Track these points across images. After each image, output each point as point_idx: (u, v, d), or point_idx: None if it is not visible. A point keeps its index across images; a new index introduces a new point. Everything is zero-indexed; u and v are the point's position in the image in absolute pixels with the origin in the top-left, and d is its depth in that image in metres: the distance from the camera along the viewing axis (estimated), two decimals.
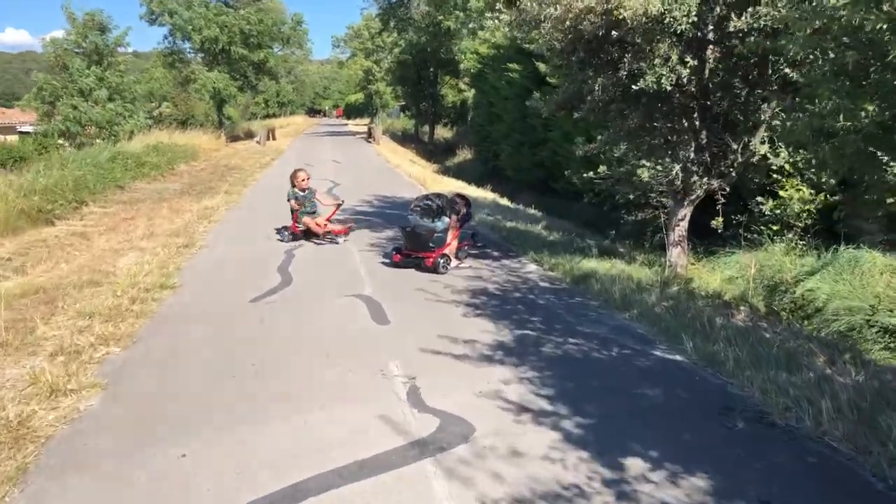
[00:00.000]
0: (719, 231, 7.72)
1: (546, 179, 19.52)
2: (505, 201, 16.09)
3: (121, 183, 15.64)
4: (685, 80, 5.94)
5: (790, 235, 10.19)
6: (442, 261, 7.55)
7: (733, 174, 6.86)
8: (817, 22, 3.86)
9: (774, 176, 9.90)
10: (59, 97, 25.35)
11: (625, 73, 5.93)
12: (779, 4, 5.27)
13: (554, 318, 5.95)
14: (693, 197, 7.12)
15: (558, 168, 18.05)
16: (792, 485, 3.26)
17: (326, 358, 5.02)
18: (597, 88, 6.16)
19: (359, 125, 56.92)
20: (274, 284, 7.21)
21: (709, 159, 6.89)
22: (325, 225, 9.50)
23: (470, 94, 33.28)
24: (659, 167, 6.56)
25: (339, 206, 10.18)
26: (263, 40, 36.88)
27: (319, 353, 5.13)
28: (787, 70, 5.59)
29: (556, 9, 6.17)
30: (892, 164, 4.17)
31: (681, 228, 7.38)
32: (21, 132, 40.35)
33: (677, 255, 7.37)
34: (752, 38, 5.20)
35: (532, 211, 14.39)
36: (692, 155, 6.74)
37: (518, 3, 6.38)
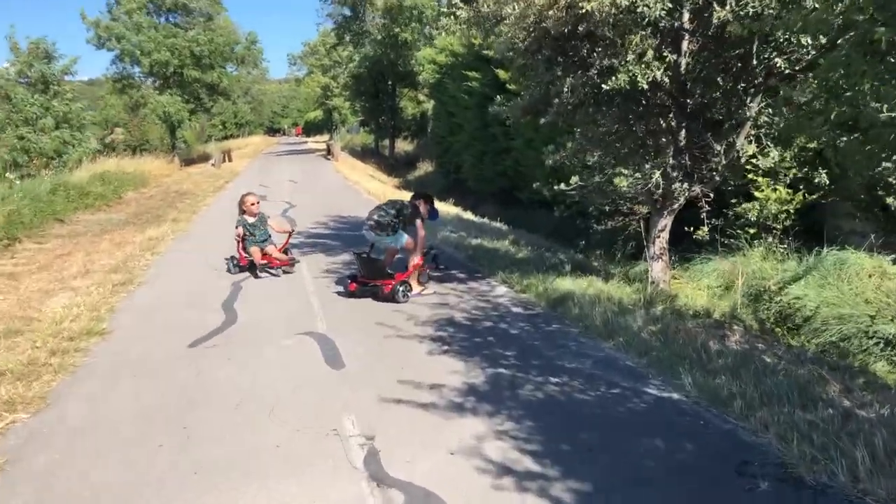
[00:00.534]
0: (701, 239, 7.17)
1: (510, 189, 18.96)
2: (469, 215, 15.45)
3: (61, 216, 14.64)
4: (661, 77, 5.36)
5: (769, 239, 9.70)
6: (401, 288, 6.84)
7: (717, 178, 6.29)
8: None
9: (749, 176, 9.42)
10: (3, 128, 24.28)
11: (595, 71, 5.32)
12: None
13: (530, 351, 5.27)
14: (674, 205, 6.54)
15: (522, 178, 17.50)
16: None
17: (271, 415, 4.28)
18: (565, 90, 5.55)
19: (318, 142, 55.97)
20: (217, 324, 6.43)
21: (689, 163, 6.31)
22: (266, 256, 8.53)
23: (429, 105, 32.72)
24: (638, 174, 5.96)
25: (290, 233, 9.27)
26: (216, 60, 35.92)
27: (263, 408, 4.38)
28: (776, 59, 5.03)
29: (515, 6, 5.56)
30: None
31: (661, 240, 6.79)
32: None
33: (660, 270, 6.77)
34: (738, 24, 4.62)
35: (497, 224, 13.77)
36: (671, 159, 6.15)
37: (475, 1, 5.76)
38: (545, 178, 10.35)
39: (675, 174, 6.14)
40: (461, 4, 5.69)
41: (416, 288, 7.18)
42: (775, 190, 9.88)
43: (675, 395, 4.32)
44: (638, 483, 3.30)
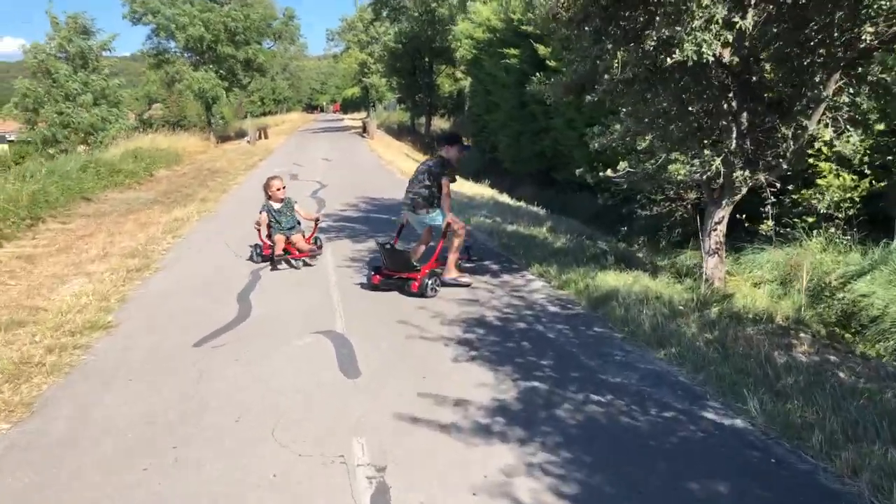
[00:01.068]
0: (766, 232, 6.46)
1: (547, 171, 18.23)
2: (504, 197, 14.80)
3: (89, 194, 14.39)
4: (733, 46, 4.66)
5: (832, 230, 8.89)
6: (430, 282, 6.28)
7: (784, 165, 5.56)
8: None
9: (810, 161, 8.61)
10: (43, 104, 24.34)
11: (652, 43, 4.65)
12: None
13: (569, 360, 4.68)
14: (735, 196, 5.84)
15: (561, 159, 16.76)
16: None
17: (272, 434, 3.78)
18: (616, 65, 4.88)
19: (355, 120, 55.52)
20: (229, 318, 5.96)
21: (751, 148, 5.60)
22: (289, 246, 7.84)
23: (466, 82, 31.90)
24: (696, 161, 5.27)
25: (317, 221, 8.56)
26: (251, 36, 35.55)
27: (265, 425, 3.88)
28: (866, 27, 4.29)
29: None
30: None
31: (718, 234, 6.10)
32: (10, 141, 39.28)
33: (714, 266, 6.09)
34: None
35: (534, 209, 13.11)
36: (732, 144, 5.44)
37: None
38: (588, 162, 9.70)
39: (736, 161, 5.44)
40: None
41: (452, 273, 6.63)
42: (838, 176, 9.05)
43: (739, 422, 3.69)
44: None
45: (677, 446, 3.48)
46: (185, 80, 33.18)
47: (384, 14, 38.34)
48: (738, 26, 4.55)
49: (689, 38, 4.49)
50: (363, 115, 58.14)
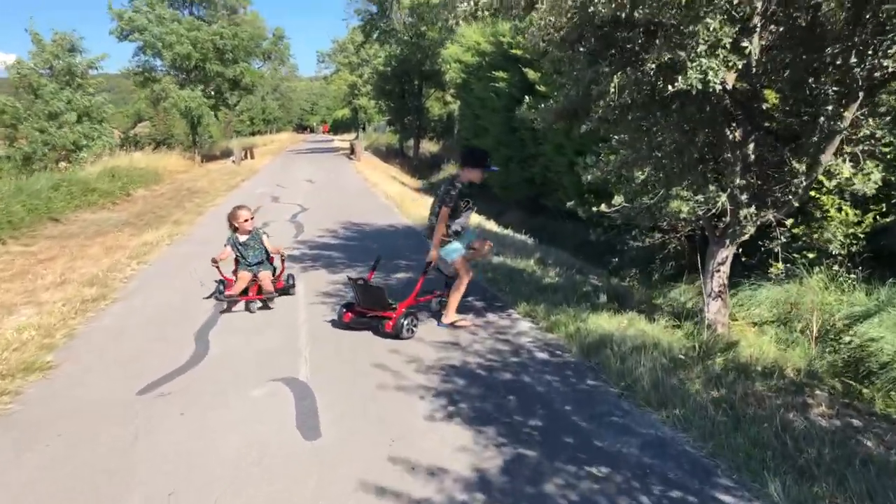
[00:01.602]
0: (774, 273, 5.96)
1: (536, 197, 17.75)
2: (492, 224, 14.29)
3: (59, 214, 13.77)
4: (741, 71, 4.19)
5: (835, 266, 8.41)
6: (406, 322, 5.72)
7: (794, 202, 5.08)
8: None
9: (811, 194, 8.16)
10: (22, 120, 23.75)
11: (652, 67, 4.17)
12: None
13: (560, 421, 4.12)
14: (740, 235, 5.35)
15: (549, 185, 16.31)
16: None
17: None
18: (612, 90, 4.39)
19: (344, 141, 55.11)
20: (182, 360, 5.38)
21: (758, 183, 5.12)
22: (254, 288, 6.90)
23: (456, 105, 31.57)
24: (699, 197, 4.78)
25: (283, 257, 7.57)
26: (239, 55, 35.21)
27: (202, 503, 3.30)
28: (890, 51, 3.82)
29: None
30: None
31: (721, 275, 5.60)
32: None
33: (717, 311, 5.58)
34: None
35: (522, 237, 12.59)
36: (738, 179, 4.96)
37: None
38: (579, 193, 9.21)
39: (742, 196, 4.95)
40: None
41: (451, 317, 6.12)
42: (840, 210, 8.60)
43: None
44: None
45: None
46: (170, 98, 32.68)
47: (374, 37, 38.07)
48: (747, 51, 4.07)
49: (694, 64, 4.01)
50: (353, 136, 57.82)
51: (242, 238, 7.12)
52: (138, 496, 3.35)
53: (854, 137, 4.71)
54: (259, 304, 6.83)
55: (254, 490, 3.39)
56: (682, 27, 3.96)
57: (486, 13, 5.08)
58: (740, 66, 4.03)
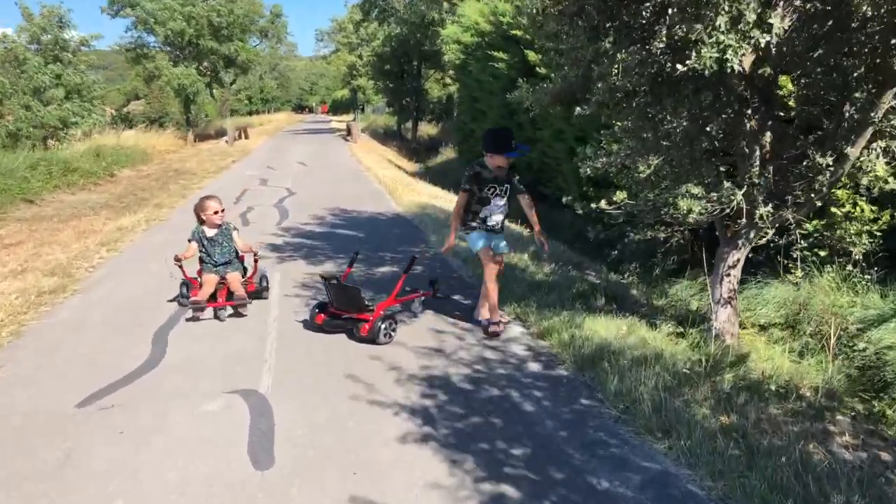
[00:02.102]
0: (794, 280, 5.47)
1: (534, 183, 17.17)
2: None
3: (33, 195, 13.20)
4: (762, 52, 3.64)
5: (848, 267, 7.87)
6: (383, 325, 5.19)
7: (816, 201, 4.55)
8: None
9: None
10: (8, 96, 23.10)
11: (661, 44, 3.61)
12: None
13: (550, 450, 3.61)
14: (755, 235, 4.82)
15: (548, 171, 15.74)
16: None
17: None
18: (615, 71, 3.84)
19: (342, 122, 54.35)
20: (134, 365, 4.86)
21: (774, 178, 4.57)
22: (222, 293, 6.07)
23: (455, 88, 30.86)
24: (713, 194, 4.23)
25: (256, 257, 6.56)
26: (234, 32, 34.39)
27: None
28: None
29: None
30: None
31: (732, 280, 5.06)
32: None
33: (726, 320, 5.05)
34: None
35: (518, 228, 12.03)
36: (755, 174, 4.41)
37: None
38: (578, 182, 8.63)
39: (758, 194, 4.41)
40: None
41: (485, 313, 5.57)
42: (856, 206, 8.04)
43: None
44: None
45: None
46: (164, 76, 31.92)
47: (372, 15, 37.27)
48: (773, 27, 3.51)
49: (711, 40, 3.45)
50: (351, 117, 57.06)
51: (210, 233, 6.28)
52: None
53: (889, 130, 4.15)
54: (230, 310, 5.99)
55: None
56: None
57: None
58: (763, 44, 3.47)
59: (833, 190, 7.86)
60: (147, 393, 4.40)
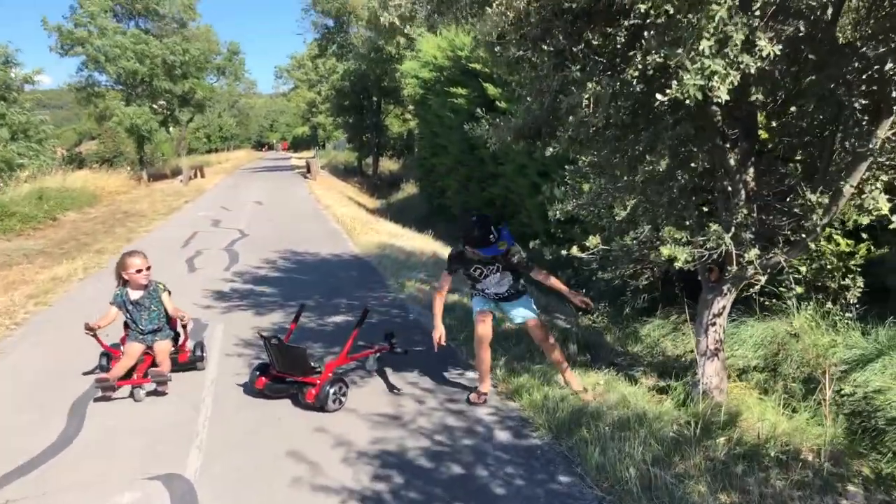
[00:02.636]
0: (795, 329, 5.03)
1: (497, 219, 16.79)
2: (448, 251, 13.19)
3: None
4: (748, 80, 3.22)
5: (827, 303, 7.50)
6: (332, 390, 4.59)
7: (808, 241, 4.13)
8: None
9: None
10: None
11: (636, 72, 3.17)
12: None
13: None
14: (743, 281, 4.37)
15: (511, 207, 15.34)
16: None
17: None
18: (585, 101, 3.38)
19: (302, 158, 53.70)
20: (43, 445, 4.20)
21: (758, 218, 4.14)
22: (142, 367, 5.14)
23: (415, 123, 30.60)
24: (698, 238, 3.77)
25: (185, 325, 5.66)
26: (189, 71, 33.71)
27: None
28: None
29: None
30: None
31: (718, 329, 4.60)
32: None
33: (714, 374, 4.57)
34: None
35: None
36: (741, 214, 3.97)
37: None
38: (542, 221, 8.13)
39: (746, 235, 3.97)
40: None
41: (574, 384, 4.85)
42: (831, 239, 7.71)
43: None
44: None
45: None
46: (115, 116, 31.04)
47: (330, 51, 37.04)
48: (763, 52, 3.08)
49: (694, 66, 3.01)
50: (311, 153, 56.49)
51: (135, 295, 5.30)
52: None
53: (889, 162, 3.76)
54: (149, 387, 5.03)
55: None
56: (679, 14, 2.95)
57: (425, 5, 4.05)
58: (754, 70, 3.05)
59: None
60: (53, 480, 3.74)
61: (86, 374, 5.45)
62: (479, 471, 3.76)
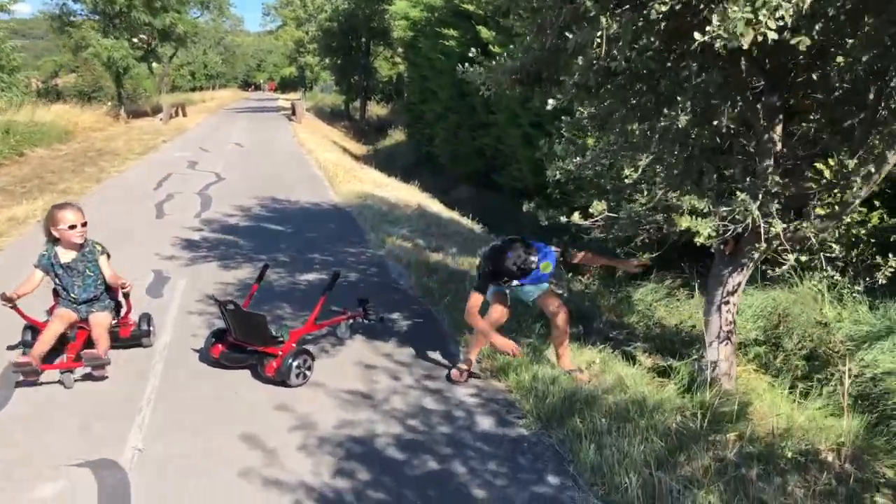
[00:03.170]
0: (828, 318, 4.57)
1: (487, 171, 16.14)
2: (436, 205, 12.64)
3: None
4: (806, 14, 2.65)
5: (835, 274, 7.04)
6: (296, 363, 4.08)
7: (844, 213, 3.62)
8: None
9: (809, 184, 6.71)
10: None
11: (663, 6, 2.58)
12: None
13: None
14: (758, 253, 3.87)
15: (502, 158, 14.71)
16: None
17: None
18: (598, 39, 2.79)
19: (289, 100, 52.36)
20: None
21: (784, 182, 3.60)
22: (74, 346, 4.33)
23: (404, 66, 29.56)
24: (723, 209, 3.24)
25: (126, 292, 4.71)
26: (169, 3, 32.21)
27: None
28: None
29: None
30: None
31: (731, 308, 4.12)
32: None
33: (724, 360, 4.10)
34: None
35: (469, 224, 10.99)
36: (773, 181, 3.43)
37: None
38: (533, 175, 7.46)
39: (773, 205, 3.45)
40: None
41: (567, 362, 4.39)
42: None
43: None
44: None
45: None
46: (92, 47, 29.70)
47: None
48: None
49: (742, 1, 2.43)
50: (298, 95, 55.06)
51: (66, 257, 4.40)
52: None
53: None
54: (81, 371, 4.19)
55: None
56: None
57: None
58: (807, 5, 2.48)
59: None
60: None
61: (10, 348, 4.59)
62: (457, 467, 3.29)
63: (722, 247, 4.02)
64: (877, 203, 7.19)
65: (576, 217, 3.79)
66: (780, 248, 3.62)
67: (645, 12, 2.84)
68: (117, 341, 4.53)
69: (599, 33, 2.95)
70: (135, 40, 31.76)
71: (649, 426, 3.51)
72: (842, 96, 3.62)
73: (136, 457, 3.32)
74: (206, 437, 3.54)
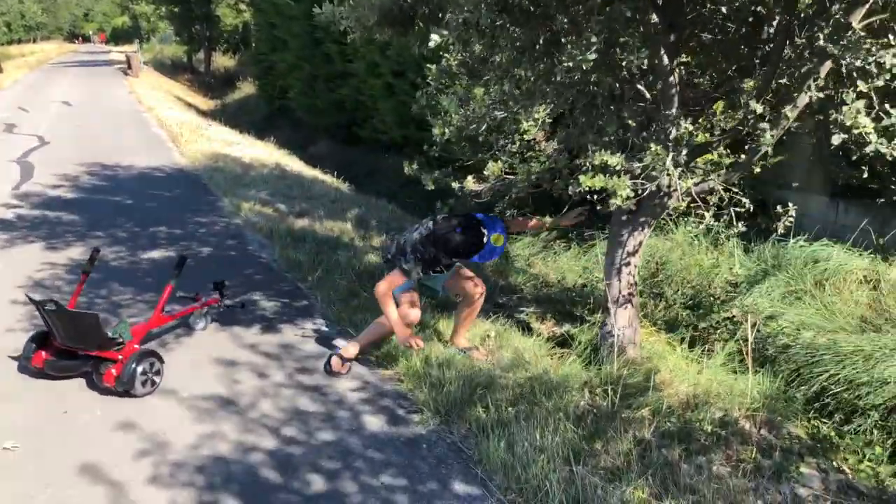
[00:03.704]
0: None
1: (348, 124, 15.33)
2: (295, 162, 11.77)
3: None
4: None
5: (708, 217, 7.05)
6: (141, 368, 3.36)
7: (751, 163, 3.37)
8: None
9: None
10: None
11: None
12: None
13: None
14: (661, 209, 3.57)
15: (363, 111, 13.96)
16: None
17: None
18: None
19: (123, 52, 48.13)
20: None
21: (688, 130, 3.28)
22: None
23: (250, 14, 27.64)
24: (635, 164, 2.84)
25: None
26: None
27: None
28: None
29: None
30: None
31: (631, 270, 3.81)
32: None
33: (627, 325, 3.80)
34: None
35: (334, 182, 10.25)
36: (677, 128, 3.09)
37: None
38: (398, 126, 6.88)
39: (682, 156, 3.12)
40: None
41: (461, 340, 3.96)
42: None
43: None
44: None
45: None
46: None
47: None
48: None
49: None
50: (133, 48, 50.75)
51: None
52: None
53: (858, 66, 2.98)
54: None
55: None
56: None
57: None
58: None
59: None
60: None
61: None
62: (346, 484, 2.77)
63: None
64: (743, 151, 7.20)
65: (469, 182, 3.29)
66: (692, 204, 3.30)
67: None
68: None
69: None
70: None
71: (558, 409, 3.14)
72: (735, 33, 3.32)
73: None
74: (29, 475, 2.79)
